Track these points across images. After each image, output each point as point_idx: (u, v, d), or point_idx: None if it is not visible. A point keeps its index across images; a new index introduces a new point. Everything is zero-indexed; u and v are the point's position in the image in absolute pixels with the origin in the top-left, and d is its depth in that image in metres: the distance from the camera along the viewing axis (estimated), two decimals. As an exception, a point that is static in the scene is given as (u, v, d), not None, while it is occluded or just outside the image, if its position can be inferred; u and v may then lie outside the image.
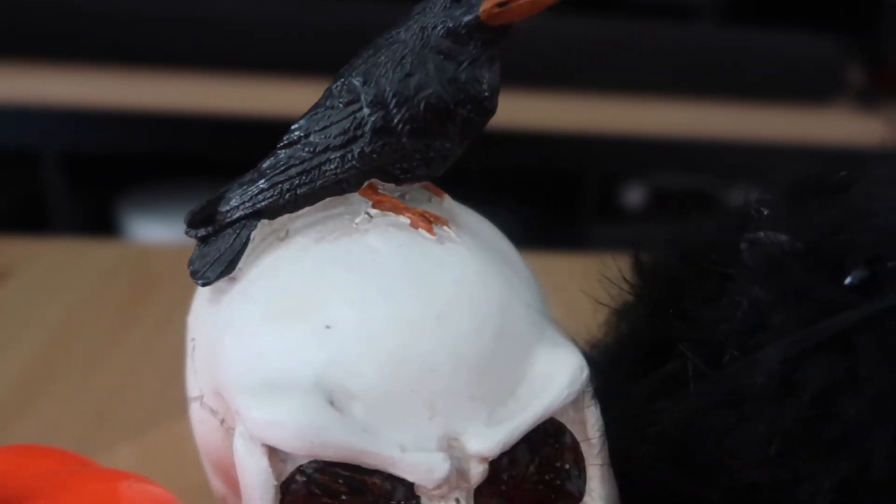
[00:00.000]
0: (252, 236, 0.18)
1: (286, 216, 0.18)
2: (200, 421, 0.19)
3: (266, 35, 0.75)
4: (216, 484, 0.20)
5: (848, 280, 0.15)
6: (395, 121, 0.17)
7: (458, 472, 0.16)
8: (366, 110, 0.17)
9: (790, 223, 0.16)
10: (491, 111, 0.18)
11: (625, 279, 0.19)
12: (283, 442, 0.15)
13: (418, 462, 0.16)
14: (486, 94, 0.17)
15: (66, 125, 0.76)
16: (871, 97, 0.91)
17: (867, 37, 0.96)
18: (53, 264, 0.46)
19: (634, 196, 0.87)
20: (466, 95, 0.17)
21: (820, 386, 0.14)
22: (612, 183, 0.90)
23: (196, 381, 0.19)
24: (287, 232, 0.19)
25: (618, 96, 0.85)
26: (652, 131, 0.84)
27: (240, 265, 0.18)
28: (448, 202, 0.20)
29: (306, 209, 0.18)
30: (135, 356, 0.37)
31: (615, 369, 0.19)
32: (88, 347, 0.37)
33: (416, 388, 0.16)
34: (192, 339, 0.20)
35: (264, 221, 0.18)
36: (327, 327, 0.16)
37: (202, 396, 0.19)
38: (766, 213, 0.17)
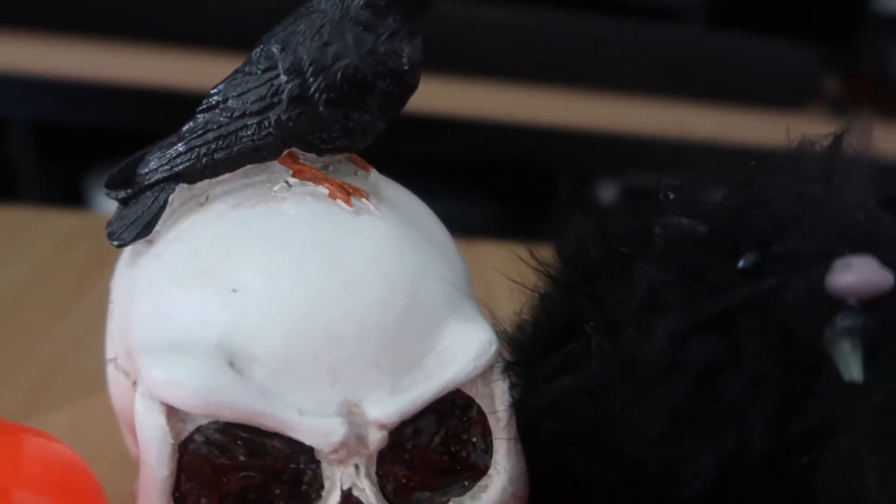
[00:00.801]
0: (170, 200, 0.18)
1: (207, 182, 0.18)
2: (115, 382, 0.19)
3: (243, 11, 0.75)
4: (131, 446, 0.20)
5: (741, 264, 0.15)
6: (312, 90, 0.17)
7: (358, 439, 0.16)
8: (283, 77, 0.17)
9: (696, 209, 0.17)
10: (412, 85, 0.18)
11: (543, 264, 0.20)
12: (179, 400, 0.15)
13: (315, 426, 0.16)
14: (406, 67, 0.17)
15: (38, 95, 0.75)
16: (844, 106, 0.92)
17: (844, 47, 0.97)
18: (12, 231, 0.45)
19: (608, 193, 0.88)
20: (385, 68, 0.17)
21: (703, 364, 0.14)
22: (587, 179, 0.91)
23: (112, 343, 0.19)
24: (207, 197, 0.19)
25: (597, 93, 0.85)
26: (628, 130, 0.85)
27: (157, 228, 0.18)
28: (374, 176, 0.20)
29: (227, 175, 0.18)
30: (85, 325, 0.37)
31: (530, 348, 0.19)
32: (39, 314, 0.37)
33: (319, 354, 0.16)
34: (112, 302, 0.20)
35: (184, 186, 0.18)
36: (234, 291, 0.16)
37: (116, 358, 0.19)
38: (671, 197, 0.17)
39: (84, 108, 0.76)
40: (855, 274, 0.13)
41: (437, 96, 0.70)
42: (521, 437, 0.19)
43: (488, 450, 0.19)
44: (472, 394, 0.18)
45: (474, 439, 0.19)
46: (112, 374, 0.19)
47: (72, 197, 0.82)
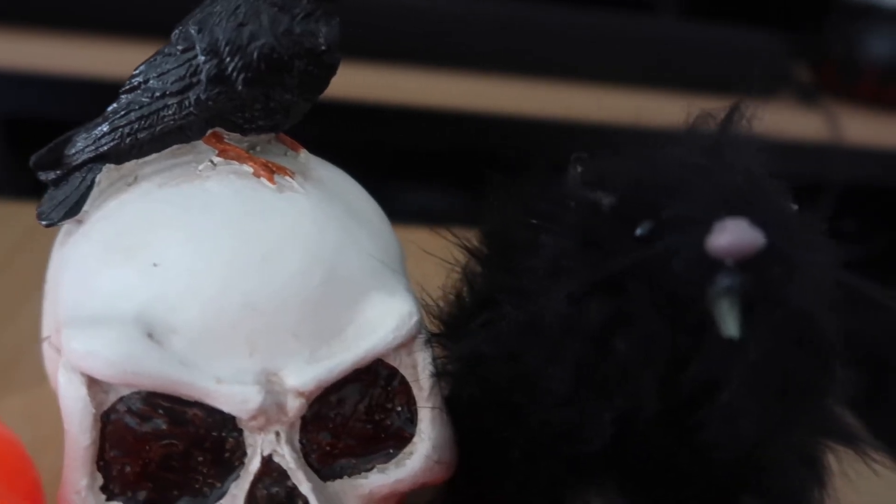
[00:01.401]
0: (98, 180, 0.19)
1: (134, 163, 0.19)
2: (49, 360, 0.20)
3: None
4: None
5: (638, 232, 0.16)
6: (229, 69, 0.17)
7: (277, 406, 0.17)
8: (201, 58, 0.17)
9: (607, 182, 0.17)
10: (331, 65, 0.18)
11: (466, 241, 0.20)
12: (97, 370, 0.16)
13: (233, 393, 0.16)
14: (323, 48, 0.18)
15: (11, 89, 0.75)
16: (813, 93, 0.93)
17: (814, 36, 0.98)
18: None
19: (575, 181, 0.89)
20: (301, 48, 0.18)
21: (598, 325, 0.15)
22: (559, 168, 0.92)
23: (46, 321, 0.20)
24: (136, 178, 0.19)
25: (570, 84, 0.86)
26: (600, 119, 0.86)
27: (86, 208, 0.19)
28: (304, 156, 0.21)
29: (154, 156, 0.19)
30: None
31: (452, 320, 0.20)
32: (2, 303, 0.37)
33: (237, 325, 0.17)
34: (46, 282, 0.20)
35: (111, 166, 0.19)
36: (154, 265, 0.17)
37: (49, 336, 0.19)
38: (579, 170, 0.18)
39: (60, 103, 0.76)
40: (729, 235, 0.14)
41: (413, 89, 0.70)
42: (448, 405, 0.19)
43: (413, 418, 0.19)
44: (395, 364, 0.19)
45: (398, 408, 0.19)
46: (47, 351, 0.20)
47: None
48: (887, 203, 1.12)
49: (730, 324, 0.14)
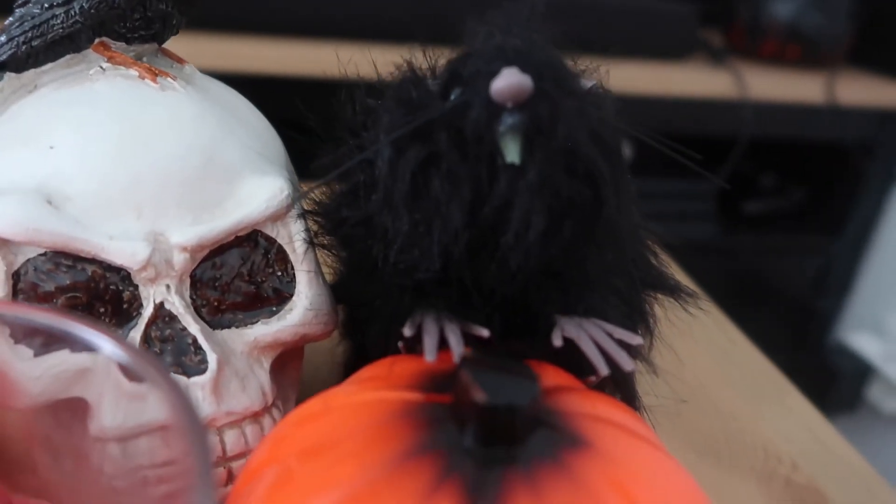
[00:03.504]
0: (1, 87, 0.22)
1: (34, 72, 0.22)
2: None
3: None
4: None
5: (451, 97, 0.19)
6: (108, -19, 0.20)
7: (165, 261, 0.20)
8: (82, -28, 0.20)
9: (441, 76, 0.21)
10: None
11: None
12: (5, 230, 0.19)
13: (123, 248, 0.19)
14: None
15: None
16: (722, 55, 0.99)
17: (722, 3, 1.05)
18: None
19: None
20: (168, -38, 0.21)
21: (414, 165, 0.19)
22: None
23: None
24: (35, 86, 0.22)
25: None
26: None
27: (-8, 113, 0.22)
28: (189, 69, 0.24)
29: (50, 65, 0.22)
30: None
31: (324, 200, 0.23)
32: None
33: (125, 195, 0.20)
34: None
35: (12, 75, 0.22)
36: (51, 148, 0.20)
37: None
38: (411, 59, 0.22)
39: None
40: (503, 80, 0.17)
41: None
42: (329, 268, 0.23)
43: (292, 281, 0.23)
44: (273, 235, 0.22)
45: (278, 273, 0.23)
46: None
47: None
48: (796, 154, 1.19)
49: (512, 152, 0.18)
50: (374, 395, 0.16)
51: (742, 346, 0.43)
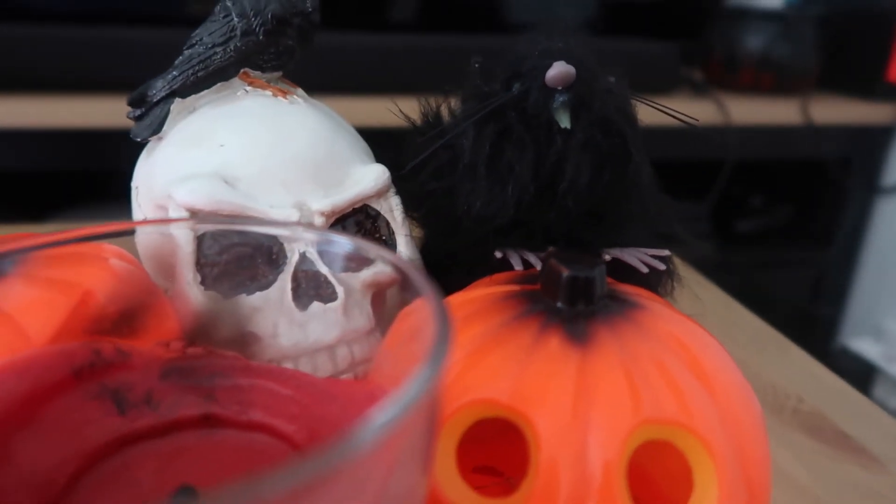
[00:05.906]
0: (171, 109, 0.29)
1: (193, 97, 0.29)
2: (145, 234, 0.29)
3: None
4: (161, 282, 0.30)
5: (513, 89, 0.27)
6: (254, 25, 0.28)
7: (308, 224, 0.27)
8: (235, 20, 0.28)
9: (504, 72, 0.28)
10: (316, 22, 0.29)
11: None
12: (196, 201, 0.26)
13: (281, 213, 0.26)
14: (310, 9, 0.29)
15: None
16: (703, 87, 1.09)
17: (699, 41, 1.15)
18: None
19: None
20: (296, 9, 0.28)
21: (493, 137, 0.26)
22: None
23: (140, 210, 0.29)
24: (195, 108, 0.29)
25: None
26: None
27: (164, 129, 0.29)
28: (301, 91, 0.31)
29: (206, 92, 0.29)
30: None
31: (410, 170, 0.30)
32: None
33: (276, 176, 0.27)
34: (136, 187, 0.30)
35: (178, 100, 0.29)
36: (221, 146, 0.27)
37: (145, 217, 0.29)
38: (477, 65, 0.29)
39: (42, 155, 0.84)
40: (555, 70, 0.25)
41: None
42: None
43: (393, 242, 0.29)
44: (378, 208, 0.29)
45: (384, 237, 0.29)
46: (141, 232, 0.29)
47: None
48: (781, 173, 1.27)
49: (564, 121, 0.25)
50: (483, 291, 0.23)
51: (742, 313, 0.49)
